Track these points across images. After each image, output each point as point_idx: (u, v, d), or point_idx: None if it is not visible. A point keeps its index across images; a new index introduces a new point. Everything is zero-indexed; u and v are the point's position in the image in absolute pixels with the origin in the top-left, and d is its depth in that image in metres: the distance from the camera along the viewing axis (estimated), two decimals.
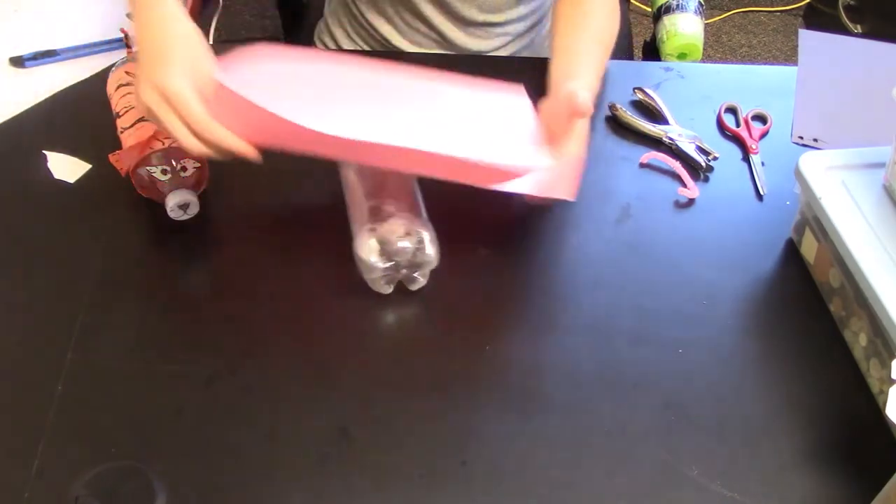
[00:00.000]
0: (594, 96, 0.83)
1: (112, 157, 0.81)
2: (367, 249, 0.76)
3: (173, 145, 0.81)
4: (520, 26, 1.14)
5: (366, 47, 1.16)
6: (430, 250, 0.77)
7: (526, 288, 0.82)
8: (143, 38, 0.78)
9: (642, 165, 0.93)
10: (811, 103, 1.02)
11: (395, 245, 0.76)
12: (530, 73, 0.89)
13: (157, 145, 0.80)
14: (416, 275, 0.78)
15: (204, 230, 0.85)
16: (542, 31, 1.20)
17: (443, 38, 1.12)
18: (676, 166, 0.92)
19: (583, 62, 0.89)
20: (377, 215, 0.78)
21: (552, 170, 0.80)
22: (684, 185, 0.91)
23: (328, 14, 1.21)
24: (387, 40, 1.13)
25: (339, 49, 1.17)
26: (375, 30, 1.13)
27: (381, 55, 1.11)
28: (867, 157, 0.82)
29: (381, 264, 0.76)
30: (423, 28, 1.11)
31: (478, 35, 1.12)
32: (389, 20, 1.11)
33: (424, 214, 0.80)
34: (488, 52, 1.14)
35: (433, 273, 0.81)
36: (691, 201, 0.90)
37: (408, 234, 0.77)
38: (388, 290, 0.79)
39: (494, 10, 1.10)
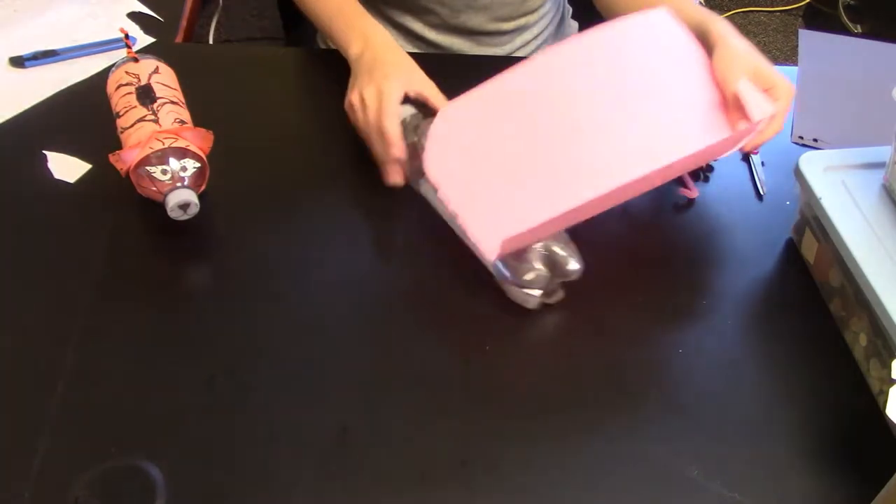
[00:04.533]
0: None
1: (112, 157, 0.81)
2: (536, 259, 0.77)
3: (173, 145, 0.81)
4: (535, 30, 1.14)
5: None
6: (574, 265, 0.78)
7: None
8: (362, 56, 0.91)
9: None
10: (811, 103, 1.02)
11: (569, 265, 0.77)
12: None
13: (157, 145, 0.80)
14: (558, 284, 0.79)
15: (204, 230, 0.85)
16: (565, 29, 1.20)
17: (447, 48, 1.12)
18: None
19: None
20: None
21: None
22: (685, 186, 0.91)
23: None
24: (396, 22, 1.12)
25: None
26: (379, 15, 1.12)
27: None
28: (867, 157, 0.82)
29: (542, 274, 0.77)
30: (429, 35, 1.11)
31: (488, 44, 1.12)
32: (395, 26, 1.11)
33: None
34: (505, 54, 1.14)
35: (430, 272, 0.81)
36: (691, 201, 0.90)
37: (559, 243, 0.78)
38: (537, 306, 0.79)
39: (506, 18, 1.10)
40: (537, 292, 0.77)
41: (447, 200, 0.79)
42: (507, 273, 0.77)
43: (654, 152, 0.77)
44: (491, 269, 0.79)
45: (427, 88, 0.88)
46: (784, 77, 0.81)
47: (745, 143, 0.82)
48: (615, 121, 0.80)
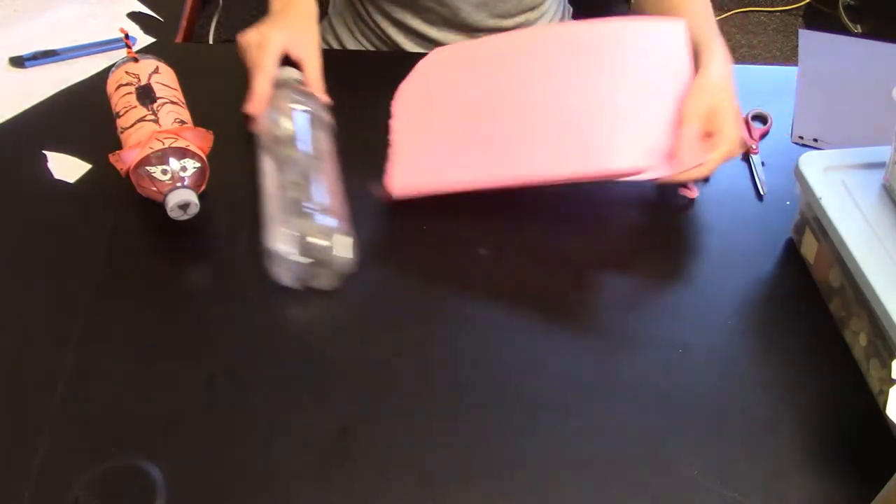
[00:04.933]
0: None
1: (112, 158, 0.81)
2: (282, 241, 0.76)
3: (173, 145, 0.81)
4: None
5: (370, 48, 1.16)
6: (347, 253, 0.78)
7: (525, 289, 0.82)
8: (276, 10, 0.95)
9: None
10: (811, 103, 1.02)
11: (313, 242, 0.76)
12: None
13: (157, 145, 0.80)
14: (325, 275, 0.78)
15: (204, 230, 0.84)
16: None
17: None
18: None
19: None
20: (295, 208, 0.77)
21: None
22: (684, 186, 0.91)
23: (332, 14, 1.21)
24: (394, 41, 1.13)
25: (344, 48, 1.17)
26: (382, 31, 1.12)
27: (389, 55, 1.12)
28: (867, 157, 0.82)
29: (294, 258, 0.76)
30: (431, 32, 1.11)
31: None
32: (396, 23, 1.11)
33: (344, 215, 0.80)
34: None
35: (430, 272, 0.81)
36: (691, 201, 0.90)
37: (322, 232, 0.77)
38: (298, 285, 0.78)
39: (505, 15, 1.10)
40: (289, 271, 0.77)
41: (392, 132, 0.86)
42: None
43: (574, 159, 0.81)
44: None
45: (309, 60, 0.91)
46: (733, 127, 0.82)
47: (663, 177, 0.83)
48: (568, 114, 0.83)
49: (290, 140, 0.83)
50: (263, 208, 0.80)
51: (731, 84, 0.85)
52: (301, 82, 0.91)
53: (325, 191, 0.80)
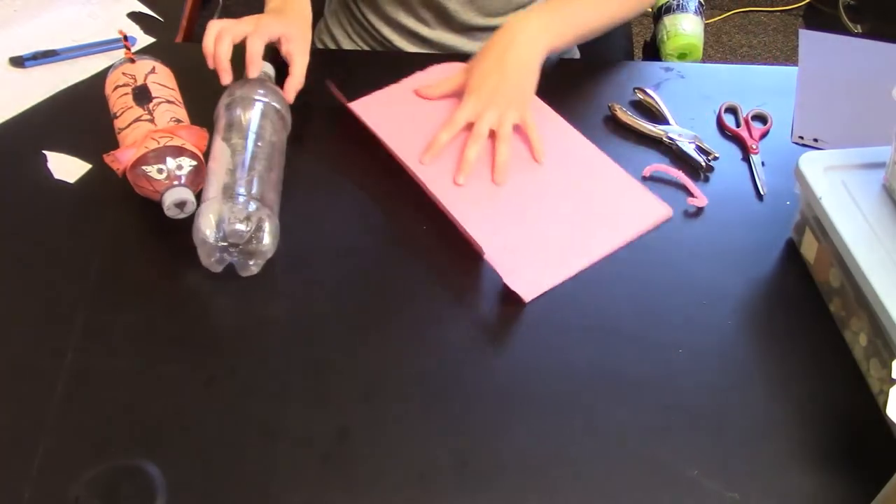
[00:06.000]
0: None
1: (107, 158, 0.81)
2: (206, 222, 0.76)
3: (169, 144, 0.81)
4: None
5: (365, 47, 1.16)
6: (267, 241, 0.78)
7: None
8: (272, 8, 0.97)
9: (645, 178, 0.92)
10: (811, 103, 1.02)
11: (233, 225, 0.76)
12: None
13: (153, 144, 0.80)
14: (250, 262, 0.79)
15: None
16: None
17: (442, 45, 1.12)
18: (681, 176, 0.91)
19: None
20: (227, 193, 0.78)
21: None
22: (691, 195, 0.90)
23: (328, 14, 1.21)
24: (388, 41, 1.13)
25: (339, 49, 1.17)
26: (377, 31, 1.13)
27: (384, 55, 1.12)
28: (867, 157, 0.82)
29: (213, 240, 0.76)
30: (423, 31, 1.11)
31: (480, 38, 1.12)
32: (389, 22, 1.11)
33: (276, 207, 0.81)
34: None
35: (429, 274, 0.81)
36: (700, 209, 0.90)
37: (248, 218, 0.77)
38: (218, 268, 0.79)
39: (494, 13, 1.10)
40: (209, 256, 0.78)
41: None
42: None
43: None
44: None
45: (298, 56, 0.93)
46: (476, 86, 0.93)
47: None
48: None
49: (242, 128, 0.84)
50: (204, 192, 0.80)
51: (489, 55, 0.92)
52: (269, 77, 0.91)
53: (262, 181, 0.81)
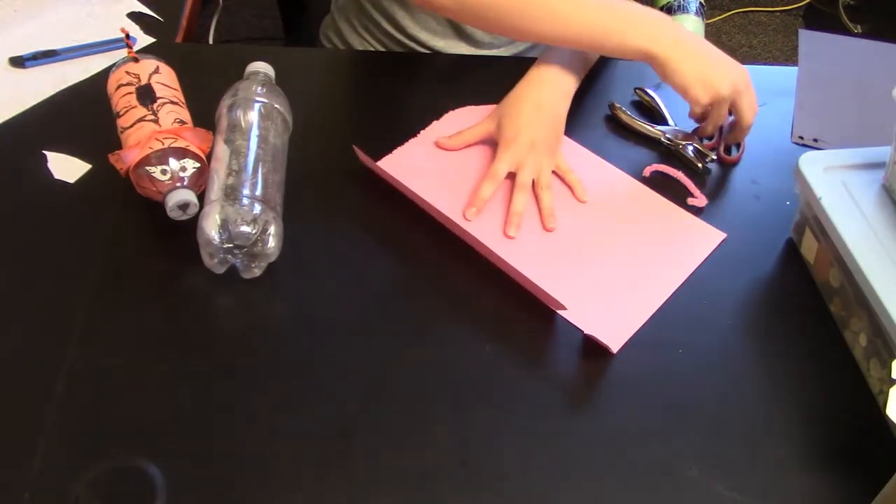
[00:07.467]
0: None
1: (112, 157, 0.81)
2: (212, 223, 0.76)
3: (173, 145, 0.81)
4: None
5: (374, 42, 1.15)
6: (272, 243, 0.78)
7: (524, 288, 0.82)
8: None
9: (645, 178, 0.92)
10: (811, 103, 1.02)
11: (239, 227, 0.76)
12: None
13: (157, 145, 0.80)
14: (253, 265, 0.79)
15: None
16: None
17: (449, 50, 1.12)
18: (681, 176, 0.91)
19: None
20: (232, 194, 0.78)
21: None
22: (691, 195, 0.90)
23: (335, 10, 1.20)
24: (403, 29, 1.12)
25: (346, 44, 1.17)
26: (387, 32, 1.12)
27: (395, 55, 1.12)
28: (867, 157, 0.82)
29: (219, 242, 0.76)
30: (438, 44, 1.11)
31: (487, 46, 1.12)
32: (401, 31, 1.11)
33: (280, 209, 0.81)
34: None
35: (429, 274, 0.81)
36: (699, 209, 0.90)
37: (254, 221, 0.77)
38: (221, 270, 0.79)
39: (488, 44, 1.10)
40: (213, 257, 0.78)
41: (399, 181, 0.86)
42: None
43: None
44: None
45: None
46: (507, 137, 0.90)
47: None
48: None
49: (244, 130, 0.84)
50: (207, 193, 0.80)
51: (512, 105, 0.91)
52: (270, 77, 0.91)
53: (267, 183, 0.81)
